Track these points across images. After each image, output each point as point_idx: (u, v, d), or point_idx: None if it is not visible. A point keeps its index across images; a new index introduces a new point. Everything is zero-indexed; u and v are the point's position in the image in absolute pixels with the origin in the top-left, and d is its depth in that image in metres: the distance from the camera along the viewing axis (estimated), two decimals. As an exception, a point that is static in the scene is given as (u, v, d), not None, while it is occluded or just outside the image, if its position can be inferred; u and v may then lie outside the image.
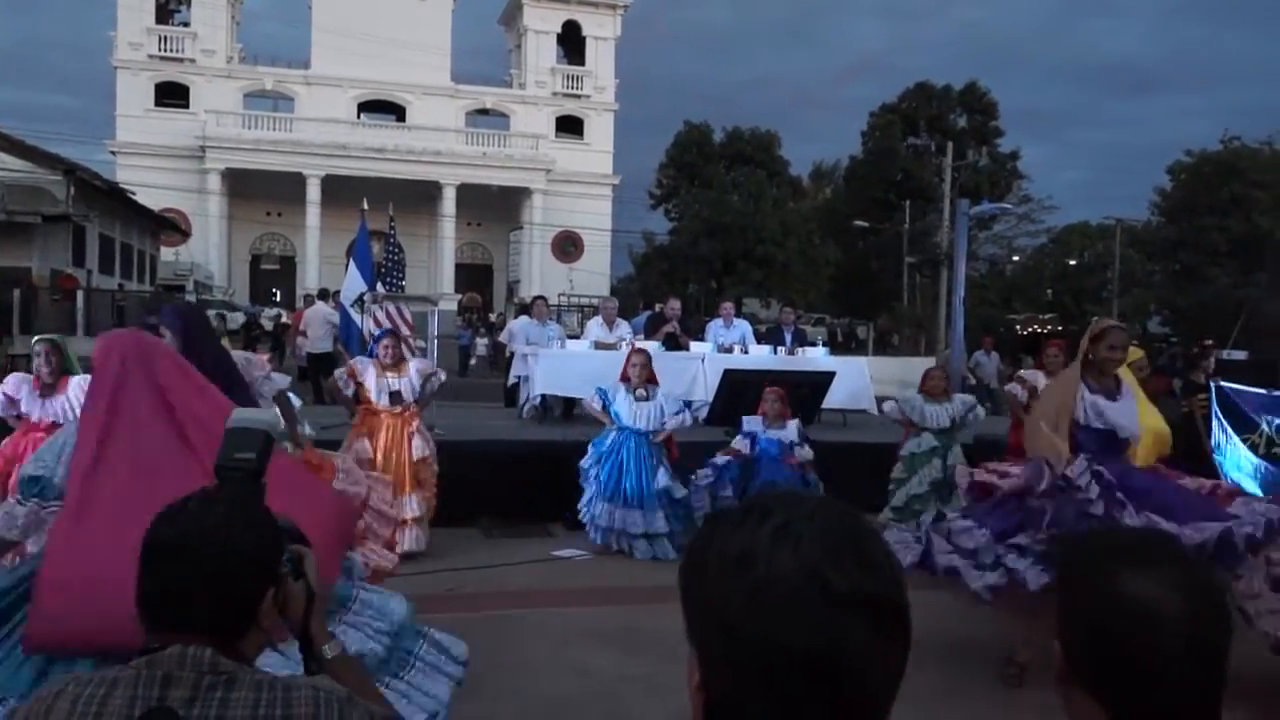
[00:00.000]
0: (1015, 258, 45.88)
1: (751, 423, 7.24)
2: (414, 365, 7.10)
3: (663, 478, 6.97)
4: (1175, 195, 38.39)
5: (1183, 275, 37.08)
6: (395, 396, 6.85)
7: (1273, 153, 35.36)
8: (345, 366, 7.24)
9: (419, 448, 6.78)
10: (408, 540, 6.64)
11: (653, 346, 10.80)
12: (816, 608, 0.84)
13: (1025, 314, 43.09)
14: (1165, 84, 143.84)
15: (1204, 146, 37.78)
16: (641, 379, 7.11)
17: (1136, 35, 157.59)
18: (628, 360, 7.28)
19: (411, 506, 6.67)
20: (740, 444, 7.18)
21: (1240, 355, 14.69)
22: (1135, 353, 6.68)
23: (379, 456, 6.69)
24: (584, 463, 7.09)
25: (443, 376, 7.39)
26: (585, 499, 7.05)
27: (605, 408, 7.13)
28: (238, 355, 4.76)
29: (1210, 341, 19.64)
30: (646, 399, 7.08)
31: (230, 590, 1.40)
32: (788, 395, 7.61)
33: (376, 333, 7.88)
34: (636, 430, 6.99)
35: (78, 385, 5.90)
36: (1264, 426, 8.99)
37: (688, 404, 7.49)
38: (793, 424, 7.26)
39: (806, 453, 7.25)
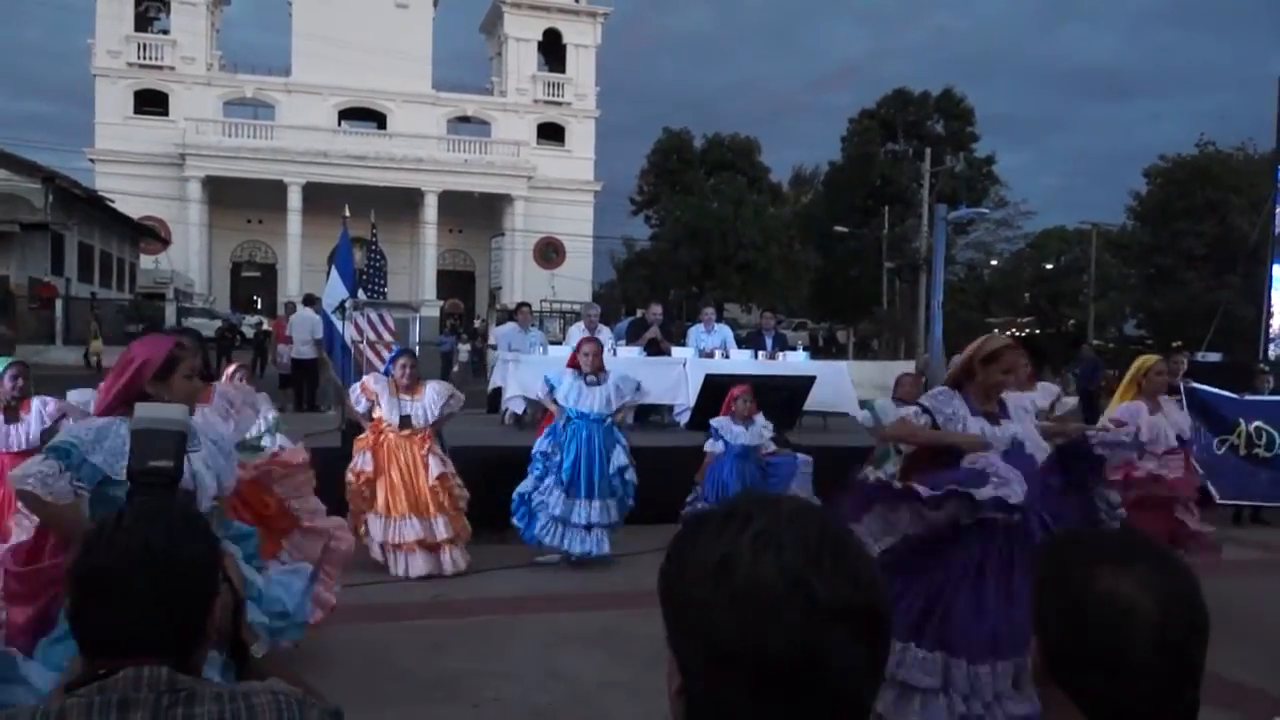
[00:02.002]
0: (993, 262, 46.21)
1: (721, 424, 7.21)
2: (431, 388, 6.88)
3: (620, 457, 6.93)
4: (1150, 200, 38.75)
5: (1158, 279, 37.43)
6: (405, 420, 6.67)
7: (1247, 157, 35.77)
8: (359, 383, 7.10)
9: (435, 467, 6.64)
10: (445, 563, 6.58)
11: (635, 352, 10.87)
12: (799, 615, 0.84)
13: (1003, 317, 43.45)
14: (1141, 89, 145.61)
15: (1179, 151, 38.27)
16: (593, 366, 7.02)
17: (1112, 41, 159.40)
18: (578, 348, 7.18)
19: (439, 529, 6.57)
20: (713, 446, 7.17)
21: (1215, 357, 14.87)
22: (1148, 360, 6.28)
23: (397, 481, 6.59)
24: (541, 447, 6.90)
25: (461, 398, 7.15)
26: (534, 485, 6.87)
27: (551, 392, 7.02)
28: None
29: (1179, 343, 19.86)
30: (597, 384, 7.00)
31: (183, 606, 1.36)
32: (769, 399, 7.65)
33: (394, 351, 7.71)
34: (589, 416, 6.92)
35: (39, 410, 5.83)
36: (1242, 425, 9.14)
37: (639, 384, 7.37)
38: (759, 418, 7.23)
39: (771, 447, 7.27)
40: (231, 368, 6.51)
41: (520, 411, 10.48)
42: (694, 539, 0.92)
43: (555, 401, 6.99)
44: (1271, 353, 14.49)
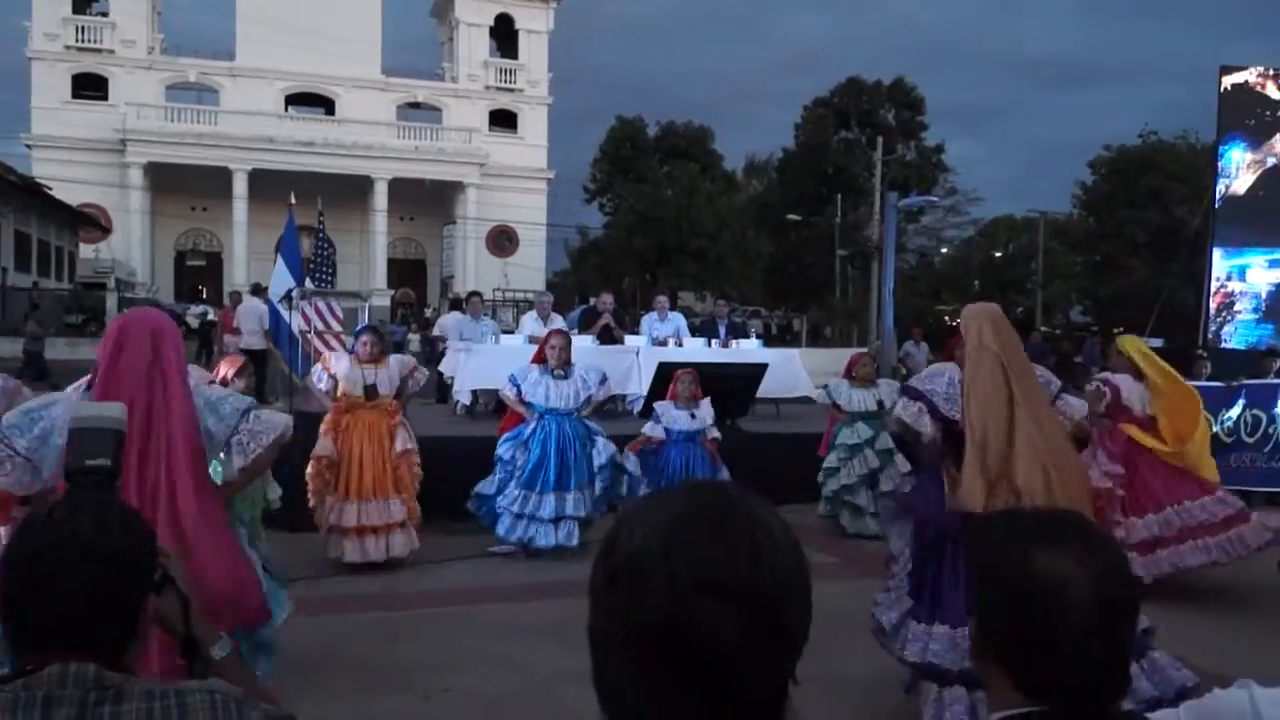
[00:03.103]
0: (944, 250, 46.87)
1: (664, 407, 7.17)
2: (394, 360, 6.76)
3: (603, 451, 6.88)
4: (1096, 189, 39.54)
5: (1103, 266, 38.23)
6: (371, 390, 6.53)
7: (1189, 147, 36.58)
8: (320, 360, 6.99)
9: (401, 440, 6.52)
10: (395, 546, 6.43)
11: (587, 341, 10.83)
12: (661, 588, 0.84)
13: (954, 305, 44.06)
14: (1089, 79, 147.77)
15: (1123, 142, 39.06)
16: (561, 360, 6.96)
17: (1062, 31, 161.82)
18: (545, 341, 7.12)
19: (393, 510, 6.43)
20: (653, 430, 7.12)
21: (1156, 343, 15.21)
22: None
23: (357, 455, 6.43)
24: (501, 452, 6.85)
25: (425, 373, 7.03)
26: (493, 485, 6.82)
27: (519, 394, 6.95)
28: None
29: (1121, 329, 20.35)
30: (565, 377, 6.93)
31: (111, 601, 1.32)
32: (722, 387, 7.66)
33: (358, 328, 7.57)
34: (559, 411, 6.86)
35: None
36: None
37: (604, 376, 7.33)
38: (705, 403, 7.20)
39: (715, 433, 7.22)
40: (233, 369, 5.91)
41: (469, 402, 10.41)
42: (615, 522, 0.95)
43: (523, 402, 6.90)
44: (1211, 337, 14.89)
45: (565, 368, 6.98)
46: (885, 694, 4.29)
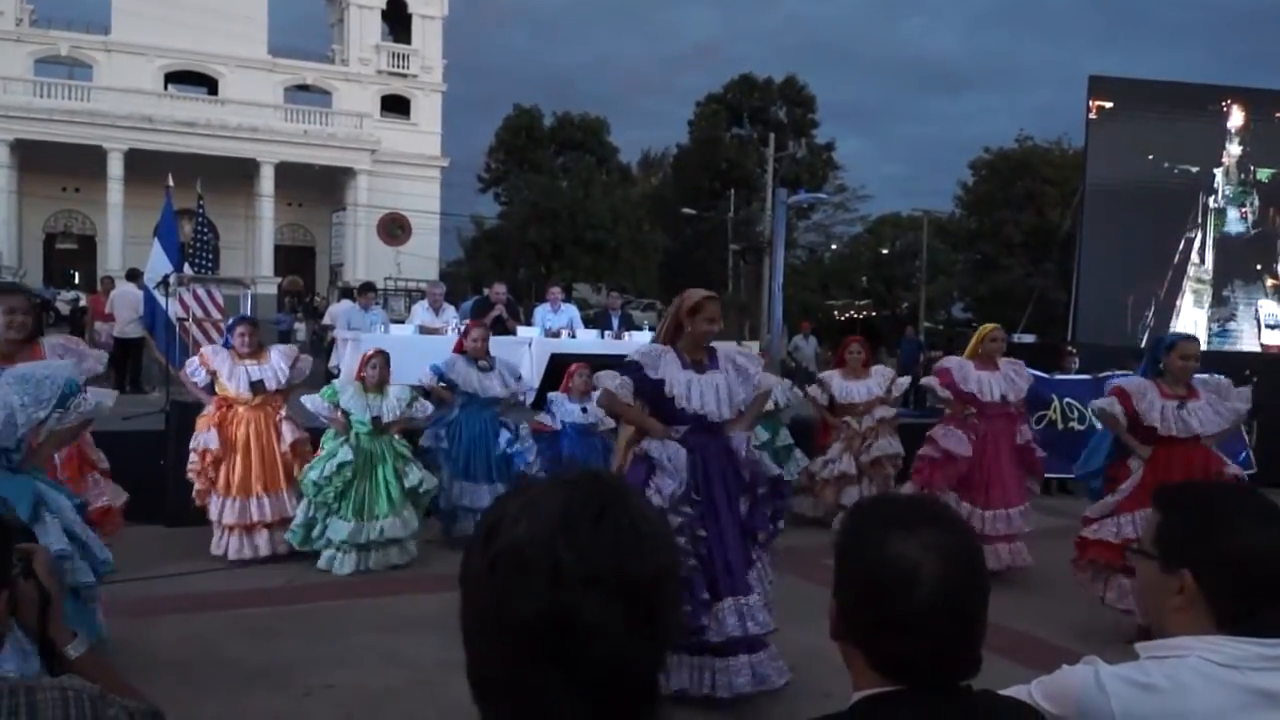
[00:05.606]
0: (833, 246, 47.94)
1: (558, 399, 7.24)
2: (276, 351, 6.62)
3: (504, 441, 6.92)
4: (976, 189, 41.04)
5: (982, 264, 39.70)
6: (258, 386, 6.36)
7: (1061, 152, 38.27)
8: (197, 354, 6.73)
9: (290, 432, 6.40)
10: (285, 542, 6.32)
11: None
12: (546, 580, 0.83)
13: (842, 300, 45.20)
14: (972, 84, 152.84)
15: (1001, 144, 40.64)
16: (481, 352, 7.01)
17: (948, 37, 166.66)
18: (466, 334, 7.18)
19: (286, 504, 6.33)
20: (545, 419, 7.19)
21: (1029, 338, 15.89)
22: (986, 327, 6.96)
23: (242, 452, 6.30)
24: (425, 442, 6.80)
25: (309, 360, 6.92)
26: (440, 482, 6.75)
27: (440, 380, 6.92)
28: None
29: (995, 325, 21.18)
30: (490, 369, 6.98)
31: None
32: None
33: (230, 320, 7.32)
34: (480, 400, 6.88)
35: None
36: (1055, 401, 9.90)
37: (520, 375, 7.45)
38: (596, 395, 7.31)
39: (609, 423, 7.35)
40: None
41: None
42: (488, 510, 0.94)
43: (450, 386, 6.87)
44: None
45: (487, 358, 7.02)
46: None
